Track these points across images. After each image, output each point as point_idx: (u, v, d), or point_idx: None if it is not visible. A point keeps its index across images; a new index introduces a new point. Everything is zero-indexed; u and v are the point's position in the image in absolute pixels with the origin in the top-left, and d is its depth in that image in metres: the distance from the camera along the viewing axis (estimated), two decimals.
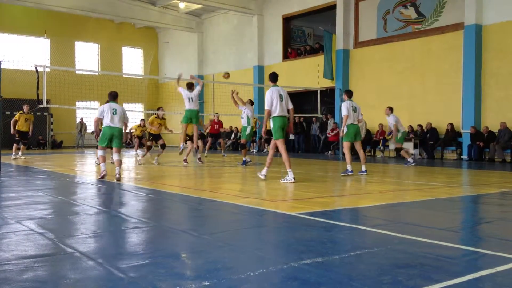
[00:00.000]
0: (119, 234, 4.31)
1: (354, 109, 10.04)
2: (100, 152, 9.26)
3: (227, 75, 12.84)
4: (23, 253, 3.51)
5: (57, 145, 25.86)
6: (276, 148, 8.73)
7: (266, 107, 8.39)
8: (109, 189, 7.75)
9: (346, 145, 10.16)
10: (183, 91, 11.91)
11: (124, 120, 9.14)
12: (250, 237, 4.28)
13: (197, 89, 12.07)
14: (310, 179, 9.26)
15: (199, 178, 9.91)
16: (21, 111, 15.21)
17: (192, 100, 11.89)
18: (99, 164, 9.54)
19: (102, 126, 9.09)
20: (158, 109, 14.31)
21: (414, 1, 17.21)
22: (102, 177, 8.86)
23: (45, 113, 25.32)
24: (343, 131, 10.02)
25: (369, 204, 6.03)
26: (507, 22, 14.80)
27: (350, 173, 9.66)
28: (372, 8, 18.53)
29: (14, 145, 15.25)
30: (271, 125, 8.52)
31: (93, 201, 6.40)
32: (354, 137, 9.99)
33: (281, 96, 8.40)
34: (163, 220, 5.11)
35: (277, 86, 8.59)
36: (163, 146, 13.53)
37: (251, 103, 13.22)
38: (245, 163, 12.35)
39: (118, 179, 8.63)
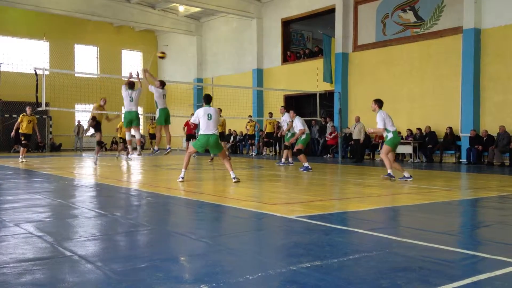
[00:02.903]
0: (117, 237, 4.30)
1: (390, 117, 9.40)
2: (127, 136, 12.30)
3: (162, 54, 12.87)
4: (21, 256, 3.50)
5: (55, 148, 25.84)
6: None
7: (192, 121, 9.37)
8: (108, 192, 7.74)
9: (388, 149, 9.31)
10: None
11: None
12: (249, 241, 4.27)
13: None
14: (309, 182, 9.25)
15: (198, 181, 9.90)
16: (23, 113, 15.37)
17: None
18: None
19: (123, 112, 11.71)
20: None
21: (413, 5, 17.26)
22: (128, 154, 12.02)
23: (44, 116, 25.30)
24: (375, 134, 9.42)
25: (368, 207, 6.03)
26: (505, 26, 14.84)
27: (409, 178, 9.18)
28: (371, 11, 18.57)
29: (22, 149, 15.52)
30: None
31: (92, 204, 6.39)
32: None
33: (209, 116, 8.93)
34: (161, 223, 5.10)
35: (210, 106, 9.17)
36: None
37: (287, 111, 13.47)
38: (306, 169, 11.69)
39: (139, 154, 11.92)
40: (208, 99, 9.30)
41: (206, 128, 8.91)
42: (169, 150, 11.87)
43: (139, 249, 3.85)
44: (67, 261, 3.41)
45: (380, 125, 9.27)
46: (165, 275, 3.03)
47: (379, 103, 9.52)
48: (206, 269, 3.18)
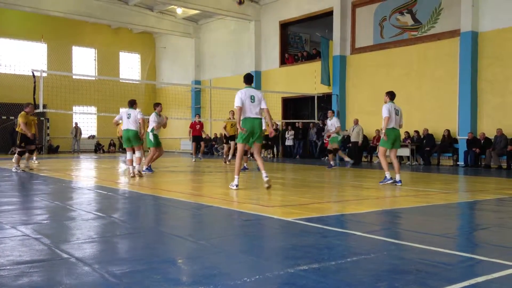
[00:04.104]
0: (115, 240, 4.29)
1: (397, 112, 9.07)
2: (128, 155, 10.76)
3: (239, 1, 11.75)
4: (18, 258, 3.49)
5: (53, 150, 25.82)
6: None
7: (237, 104, 7.87)
8: (105, 195, 7.73)
9: (382, 151, 9.17)
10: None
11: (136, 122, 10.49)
12: (247, 243, 4.27)
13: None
14: (307, 185, 9.25)
15: (196, 183, 9.89)
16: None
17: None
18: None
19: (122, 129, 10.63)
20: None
21: (411, 8, 17.30)
22: (133, 176, 10.21)
23: (41, 118, 25.26)
24: (385, 134, 9.00)
25: (365, 210, 6.03)
26: (503, 29, 14.89)
27: (389, 181, 8.91)
28: (369, 14, 18.62)
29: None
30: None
31: (89, 206, 6.38)
32: (392, 143, 9.06)
33: (252, 98, 7.92)
34: (159, 226, 5.09)
35: (251, 88, 8.18)
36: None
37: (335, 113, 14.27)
38: (244, 169, 11.94)
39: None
40: (249, 79, 8.28)
41: (250, 111, 7.86)
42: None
43: (137, 252, 3.85)
44: (64, 263, 3.39)
45: (385, 114, 8.89)
46: (163, 278, 3.03)
47: (389, 95, 9.17)
48: (203, 271, 3.18)
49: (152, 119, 11.62)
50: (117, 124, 11.46)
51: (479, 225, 5.33)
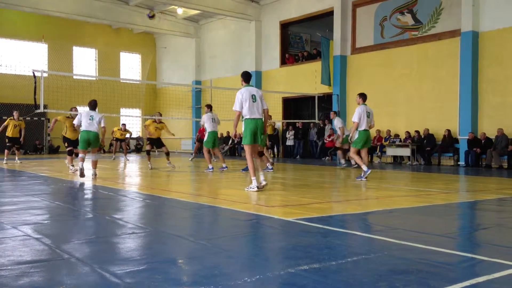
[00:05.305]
0: (115, 240, 4.29)
1: (368, 115, 9.88)
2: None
3: (151, 14, 12.56)
4: (19, 258, 3.49)
5: (53, 150, 25.83)
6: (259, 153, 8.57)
7: (236, 108, 7.69)
8: (106, 195, 7.73)
9: (353, 150, 10.08)
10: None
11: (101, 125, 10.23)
12: (247, 243, 4.26)
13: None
14: (307, 185, 9.25)
15: (196, 183, 9.90)
16: (11, 117, 15.95)
17: (215, 121, 12.46)
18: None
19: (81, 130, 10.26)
20: (155, 114, 14.76)
21: (411, 8, 17.30)
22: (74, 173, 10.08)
23: (42, 118, 25.30)
24: (351, 139, 9.98)
25: (366, 210, 6.03)
26: (503, 29, 14.88)
27: (368, 172, 9.66)
28: (369, 14, 18.61)
29: (6, 151, 15.90)
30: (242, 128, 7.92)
31: (90, 206, 6.38)
32: (364, 143, 9.96)
33: (253, 97, 7.69)
34: (160, 226, 5.09)
35: (251, 86, 7.95)
36: (167, 154, 13.85)
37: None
38: (245, 169, 12.05)
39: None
40: (248, 77, 8.03)
41: (252, 111, 7.65)
42: (225, 168, 12.48)
43: (137, 252, 3.85)
44: (64, 263, 3.40)
45: (355, 119, 9.77)
46: (163, 278, 3.03)
47: (362, 96, 9.95)
48: (204, 272, 3.18)
49: (209, 121, 12.37)
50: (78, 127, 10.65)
51: (480, 225, 5.32)
